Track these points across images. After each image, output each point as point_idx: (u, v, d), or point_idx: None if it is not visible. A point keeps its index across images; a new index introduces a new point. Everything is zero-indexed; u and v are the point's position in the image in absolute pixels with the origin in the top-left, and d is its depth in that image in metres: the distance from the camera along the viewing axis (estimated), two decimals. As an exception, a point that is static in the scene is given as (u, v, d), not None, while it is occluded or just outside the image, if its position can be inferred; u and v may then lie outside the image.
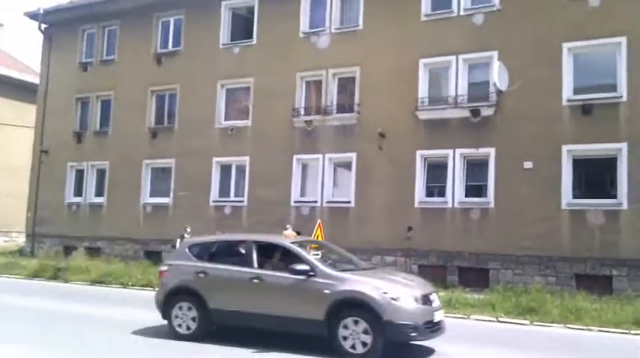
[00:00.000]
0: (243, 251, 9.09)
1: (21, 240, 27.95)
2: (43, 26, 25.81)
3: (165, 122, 22.67)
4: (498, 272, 16.08)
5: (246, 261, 8.68)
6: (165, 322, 9.12)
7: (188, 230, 18.82)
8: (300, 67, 19.92)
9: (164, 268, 9.49)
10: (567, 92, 16.02)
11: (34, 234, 24.64)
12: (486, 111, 16.83)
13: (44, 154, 24.93)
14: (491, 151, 16.67)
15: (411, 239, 17.17)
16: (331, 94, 19.47)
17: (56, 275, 17.59)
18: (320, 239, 14.23)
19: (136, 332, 9.32)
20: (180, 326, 8.79)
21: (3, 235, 31.09)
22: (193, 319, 8.71)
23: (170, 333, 8.85)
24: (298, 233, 17.97)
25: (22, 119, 30.23)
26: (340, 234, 17.94)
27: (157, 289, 9.60)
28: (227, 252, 9.62)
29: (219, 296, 8.64)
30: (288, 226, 18.04)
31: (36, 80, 28.33)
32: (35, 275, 17.98)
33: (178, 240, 18.27)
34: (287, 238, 17.50)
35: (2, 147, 30.77)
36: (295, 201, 19.36)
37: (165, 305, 8.97)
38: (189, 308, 8.71)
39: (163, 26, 23.29)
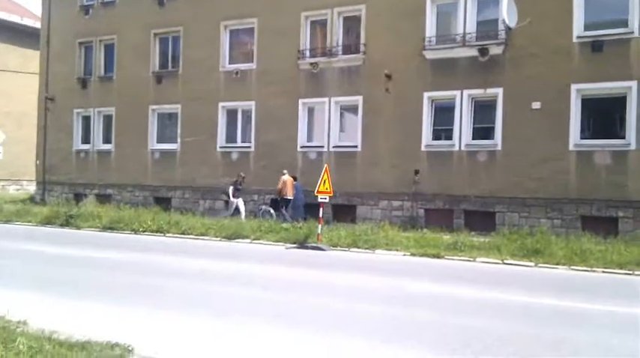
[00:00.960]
0: None
1: (31, 187, 28.31)
2: (41, -33, 25.23)
3: (170, 66, 22.42)
4: (504, 215, 16.13)
5: None
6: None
7: (242, 175, 19.01)
8: (305, 6, 19.45)
9: None
10: (577, 28, 15.59)
11: (44, 182, 24.92)
12: (495, 50, 16.46)
13: (50, 101, 24.88)
14: (499, 92, 16.41)
15: (418, 183, 17.19)
16: (337, 35, 19.07)
17: (67, 221, 17.86)
18: (327, 184, 14.21)
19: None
20: None
21: (14, 183, 31.52)
22: None
23: None
24: (295, 178, 18.17)
25: (27, 65, 30.00)
26: (347, 178, 18.05)
27: None
28: None
29: None
30: (285, 171, 18.18)
31: (38, 25, 27.93)
32: (47, 222, 18.28)
33: (231, 188, 18.59)
34: (284, 184, 17.94)
35: (8, 95, 30.70)
36: (302, 146, 19.32)
37: None
38: None
39: (164, -35, 22.68)
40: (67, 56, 24.46)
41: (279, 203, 18.04)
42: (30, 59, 29.90)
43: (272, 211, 18.16)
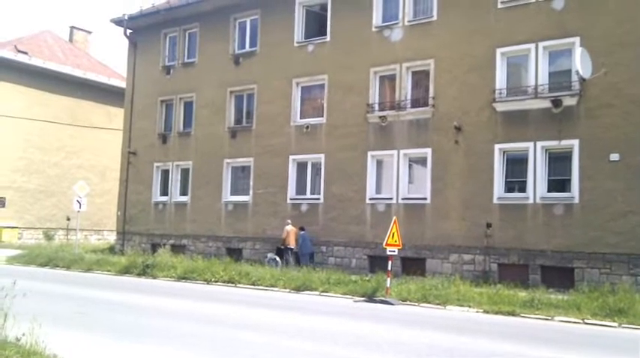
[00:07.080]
0: None
1: (112, 238, 29.62)
2: (128, 32, 26.98)
3: (244, 122, 23.28)
4: (584, 271, 15.39)
5: None
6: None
7: None
8: (374, 62, 19.82)
9: None
10: (657, 78, 15.07)
11: (124, 232, 26.00)
12: (569, 101, 16.10)
13: (132, 155, 26.20)
14: (575, 143, 15.94)
15: (490, 236, 16.76)
16: (405, 89, 19.26)
17: (144, 271, 18.50)
18: (396, 237, 14.11)
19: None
20: None
21: (95, 233, 33.12)
22: None
23: None
24: (302, 228, 18.56)
25: (111, 122, 32.03)
26: (416, 231, 17.86)
27: None
28: None
29: None
30: (288, 221, 18.57)
31: (123, 84, 29.85)
32: (125, 271, 18.98)
33: None
34: (287, 234, 18.74)
35: (92, 149, 32.72)
36: (370, 198, 19.34)
37: None
38: None
39: (240, 27, 23.84)
40: (149, 113, 25.86)
41: (283, 251, 19.52)
42: (113, 116, 31.94)
43: (277, 259, 19.50)
